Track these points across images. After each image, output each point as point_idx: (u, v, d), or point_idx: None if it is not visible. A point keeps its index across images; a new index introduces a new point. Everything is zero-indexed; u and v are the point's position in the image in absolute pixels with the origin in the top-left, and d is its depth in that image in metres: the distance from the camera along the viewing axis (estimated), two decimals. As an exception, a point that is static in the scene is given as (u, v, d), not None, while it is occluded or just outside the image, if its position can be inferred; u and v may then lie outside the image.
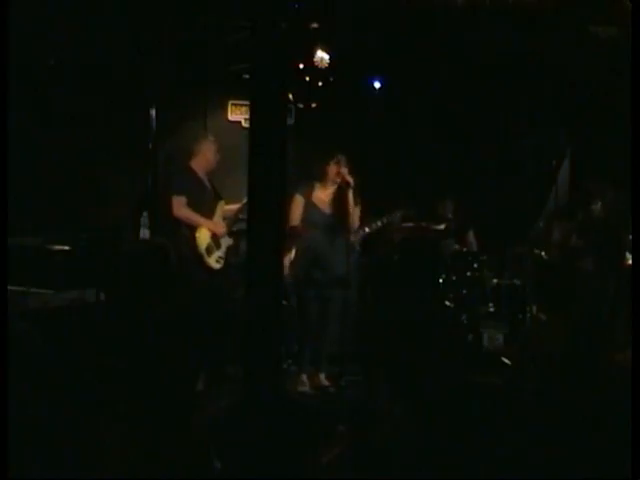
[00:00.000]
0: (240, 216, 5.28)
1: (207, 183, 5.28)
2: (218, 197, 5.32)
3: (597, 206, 6.21)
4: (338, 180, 5.12)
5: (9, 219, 3.17)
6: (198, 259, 5.09)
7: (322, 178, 5.19)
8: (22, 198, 4.59)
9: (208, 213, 5.19)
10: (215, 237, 5.17)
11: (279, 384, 4.18)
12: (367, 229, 5.52)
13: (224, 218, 5.32)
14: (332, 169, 5.14)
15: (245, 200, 5.17)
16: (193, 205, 5.08)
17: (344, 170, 5.09)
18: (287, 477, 3.49)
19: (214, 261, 5.16)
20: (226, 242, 5.30)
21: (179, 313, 5.25)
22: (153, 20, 5.51)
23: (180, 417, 4.23)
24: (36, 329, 4.14)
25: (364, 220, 5.45)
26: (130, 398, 4.29)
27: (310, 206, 5.13)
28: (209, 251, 5.14)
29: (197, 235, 5.10)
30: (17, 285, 4.18)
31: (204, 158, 5.23)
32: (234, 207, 5.36)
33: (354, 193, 5.13)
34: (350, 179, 5.07)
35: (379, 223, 5.55)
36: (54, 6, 5.20)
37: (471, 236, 6.68)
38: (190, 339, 4.93)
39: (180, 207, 5.07)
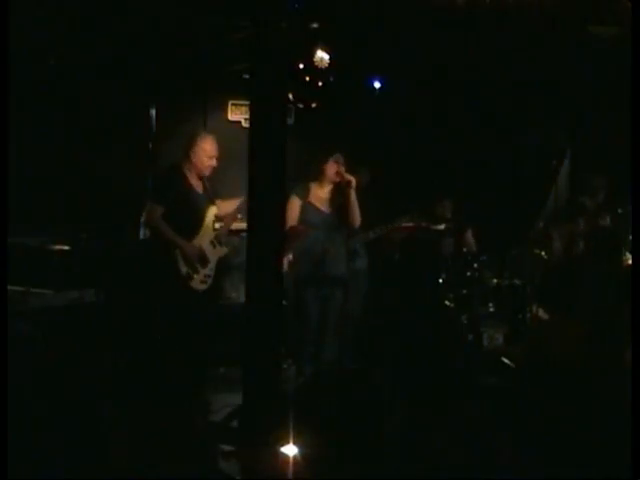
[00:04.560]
0: (239, 216, 5.15)
1: (198, 188, 4.90)
2: (210, 202, 4.94)
3: (596, 204, 6.23)
4: (337, 180, 5.12)
5: (9, 219, 3.17)
6: (178, 283, 4.72)
7: (320, 178, 5.18)
8: (22, 198, 4.59)
9: (194, 224, 4.83)
10: (197, 256, 4.79)
11: (279, 384, 4.19)
12: (363, 237, 5.53)
13: (216, 220, 4.94)
14: (330, 169, 5.13)
15: (239, 202, 5.08)
16: (176, 215, 4.73)
17: (342, 169, 5.09)
18: (288, 477, 3.49)
19: (198, 282, 4.79)
20: (218, 253, 4.93)
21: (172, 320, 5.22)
22: (153, 20, 5.51)
23: (180, 417, 4.23)
24: (36, 329, 4.14)
25: (366, 220, 5.45)
26: (130, 398, 4.29)
27: (308, 206, 5.12)
28: (192, 272, 4.75)
29: (176, 255, 4.69)
30: (17, 285, 4.18)
31: (198, 159, 4.83)
32: (229, 206, 5.02)
33: (356, 192, 5.14)
34: (351, 177, 5.06)
35: (372, 233, 5.57)
36: (54, 5, 5.19)
37: (470, 235, 6.68)
38: (190, 339, 4.92)
39: (153, 217, 4.70)
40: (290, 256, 5.03)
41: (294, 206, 5.07)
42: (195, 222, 4.86)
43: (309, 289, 5.09)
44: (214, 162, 4.89)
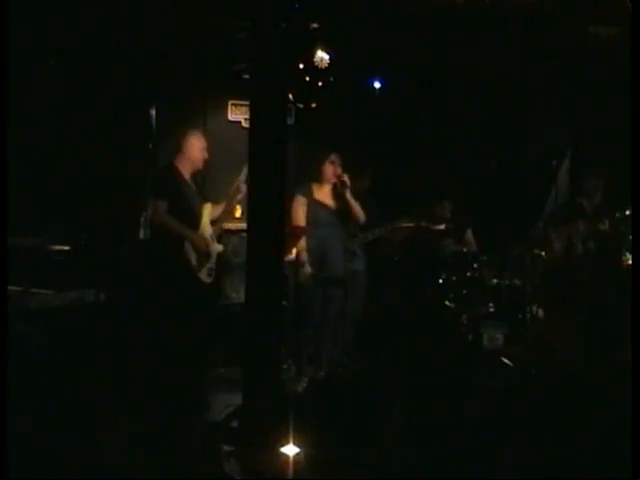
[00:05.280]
0: (237, 215, 5.22)
1: (192, 184, 5.05)
2: (204, 200, 5.09)
3: (594, 206, 6.24)
4: (334, 180, 5.14)
5: (9, 219, 3.17)
6: (188, 274, 4.85)
7: (318, 178, 5.21)
8: (22, 198, 4.59)
9: (194, 219, 4.94)
10: (205, 247, 4.96)
11: (279, 384, 4.19)
12: (361, 239, 5.54)
13: (212, 221, 5.09)
14: (327, 169, 5.15)
15: (229, 199, 5.15)
16: (176, 210, 4.84)
17: (339, 170, 5.11)
18: (288, 477, 3.49)
19: (205, 275, 4.93)
20: (216, 249, 5.06)
21: (179, 314, 5.24)
22: (153, 20, 5.50)
23: (180, 417, 4.23)
24: (36, 329, 4.14)
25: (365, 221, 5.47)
26: (130, 398, 4.29)
27: (314, 205, 5.14)
28: (200, 264, 4.89)
29: (186, 246, 4.83)
30: (17, 285, 4.17)
31: (190, 156, 5.01)
32: (219, 209, 5.15)
33: (352, 192, 5.15)
34: (346, 179, 5.08)
35: (371, 235, 5.58)
36: (54, 5, 5.19)
37: (470, 235, 6.68)
38: (190, 339, 4.92)
39: (160, 213, 4.79)
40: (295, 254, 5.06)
41: (299, 205, 5.09)
42: (194, 217, 4.98)
43: (314, 288, 5.09)
44: (206, 155, 5.09)
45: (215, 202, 5.20)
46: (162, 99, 6.18)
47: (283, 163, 3.95)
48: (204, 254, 4.92)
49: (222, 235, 5.29)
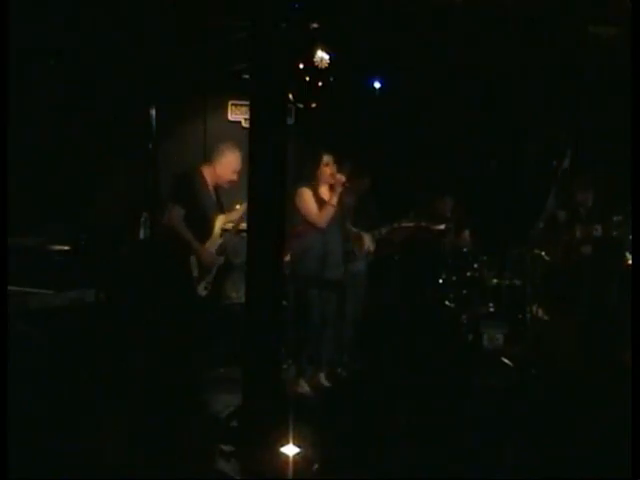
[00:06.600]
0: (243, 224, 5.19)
1: (214, 195, 5.04)
2: (220, 210, 5.08)
3: (588, 212, 6.27)
4: (331, 181, 5.12)
5: (9, 219, 3.17)
6: (187, 284, 4.86)
7: (316, 180, 5.18)
8: (22, 198, 4.59)
9: (207, 229, 4.95)
10: (209, 263, 4.94)
11: (279, 384, 4.18)
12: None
13: (222, 231, 5.06)
14: (324, 171, 5.14)
15: (239, 209, 5.13)
16: (192, 218, 4.84)
17: (334, 170, 5.10)
18: (288, 477, 3.49)
19: (202, 288, 4.93)
20: (219, 262, 5.05)
21: (179, 314, 5.24)
22: (153, 20, 5.50)
23: (180, 417, 4.23)
24: (36, 329, 4.13)
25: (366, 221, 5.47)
26: (130, 398, 4.29)
27: (319, 201, 5.13)
28: (200, 278, 4.90)
29: (191, 259, 4.84)
30: (17, 285, 4.17)
31: (221, 171, 4.96)
32: (234, 218, 5.12)
33: (349, 193, 5.16)
34: (342, 178, 5.06)
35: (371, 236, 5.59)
36: (54, 5, 5.19)
37: (466, 234, 6.69)
38: (190, 339, 4.92)
39: (175, 219, 4.79)
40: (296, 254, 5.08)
41: (309, 196, 5.07)
42: (207, 229, 4.97)
43: (312, 289, 5.09)
44: (236, 177, 4.99)
45: (229, 210, 5.17)
46: (162, 99, 6.20)
47: (283, 163, 3.94)
48: (206, 269, 4.93)
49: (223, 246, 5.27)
